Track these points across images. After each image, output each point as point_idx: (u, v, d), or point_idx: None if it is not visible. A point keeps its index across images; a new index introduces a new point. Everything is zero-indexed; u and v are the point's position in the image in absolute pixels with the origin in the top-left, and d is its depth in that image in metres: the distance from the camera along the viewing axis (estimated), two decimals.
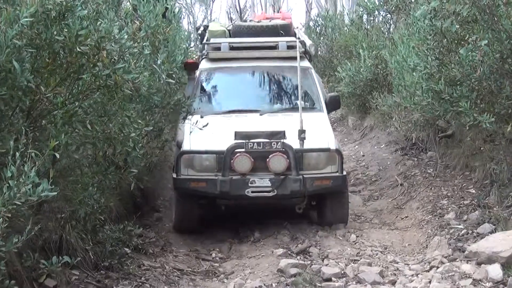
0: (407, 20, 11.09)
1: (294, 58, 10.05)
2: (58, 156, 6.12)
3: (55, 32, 6.06)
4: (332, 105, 10.64)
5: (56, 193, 5.57)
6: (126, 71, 6.76)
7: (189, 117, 9.63)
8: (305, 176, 8.79)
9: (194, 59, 12.27)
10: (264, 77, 11.05)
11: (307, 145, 8.89)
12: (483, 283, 6.91)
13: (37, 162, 5.48)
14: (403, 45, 9.84)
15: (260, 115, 10.04)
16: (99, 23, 6.40)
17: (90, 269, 7.22)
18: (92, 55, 6.38)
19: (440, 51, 8.72)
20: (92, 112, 6.86)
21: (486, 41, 7.97)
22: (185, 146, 9.13)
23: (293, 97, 10.64)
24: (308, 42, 10.74)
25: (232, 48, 10.91)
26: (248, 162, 8.69)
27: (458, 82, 8.53)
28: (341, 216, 9.56)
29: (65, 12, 6.11)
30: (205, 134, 9.26)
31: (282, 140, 8.77)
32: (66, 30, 6.11)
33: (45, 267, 6.22)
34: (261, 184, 8.76)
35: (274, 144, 8.74)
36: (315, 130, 9.23)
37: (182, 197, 9.20)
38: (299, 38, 11.60)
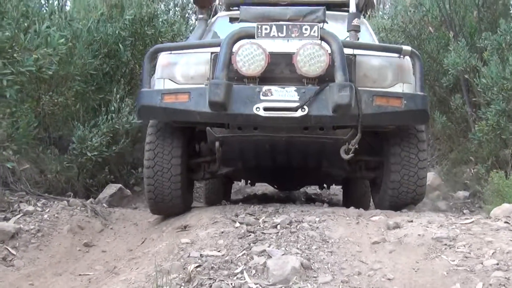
0: None
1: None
2: None
3: (146, 29, 6.18)
4: None
5: (140, 122, 5.71)
6: None
7: None
8: (359, 88, 3.36)
9: None
10: None
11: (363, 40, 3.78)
12: None
13: (130, 104, 5.69)
14: None
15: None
16: (174, 26, 6.48)
17: None
18: None
19: None
20: None
21: None
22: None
23: None
24: None
25: None
26: (261, 57, 3.26)
27: None
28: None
29: (153, 17, 6.22)
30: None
31: (320, 24, 3.32)
32: (153, 29, 6.23)
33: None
34: (281, 97, 3.27)
35: (306, 28, 3.29)
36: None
37: (152, 126, 4.02)
38: None
